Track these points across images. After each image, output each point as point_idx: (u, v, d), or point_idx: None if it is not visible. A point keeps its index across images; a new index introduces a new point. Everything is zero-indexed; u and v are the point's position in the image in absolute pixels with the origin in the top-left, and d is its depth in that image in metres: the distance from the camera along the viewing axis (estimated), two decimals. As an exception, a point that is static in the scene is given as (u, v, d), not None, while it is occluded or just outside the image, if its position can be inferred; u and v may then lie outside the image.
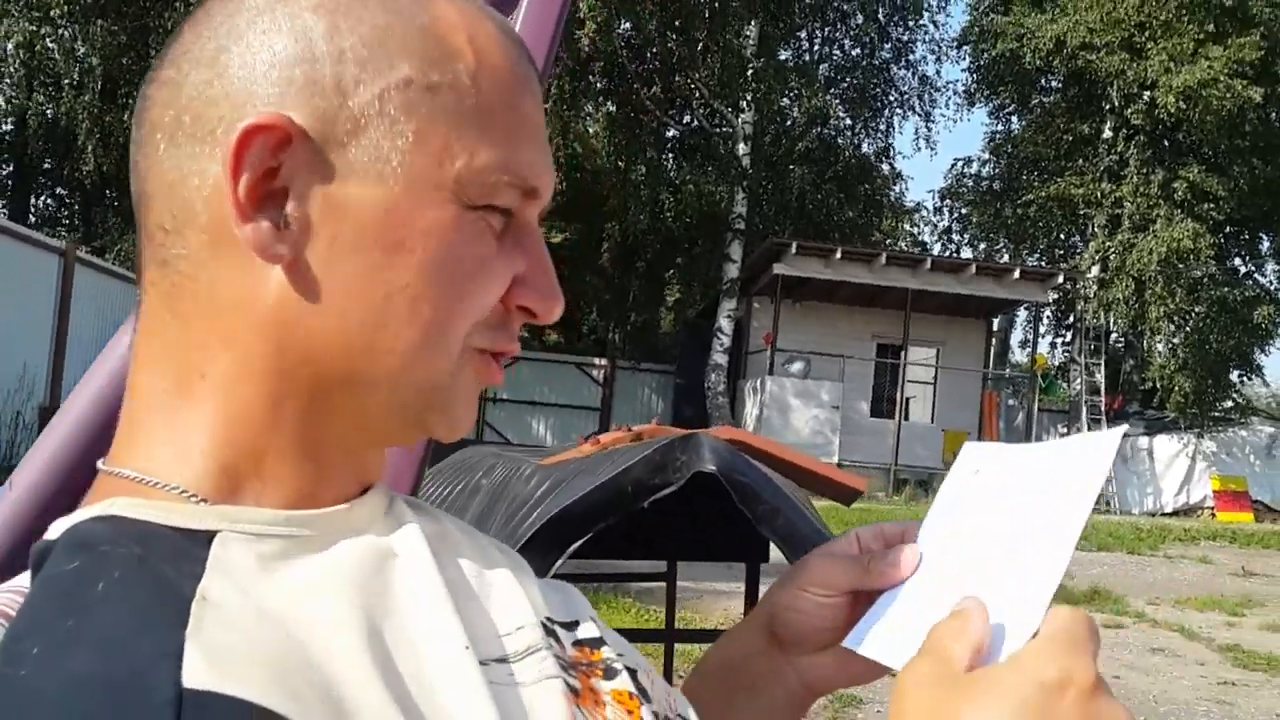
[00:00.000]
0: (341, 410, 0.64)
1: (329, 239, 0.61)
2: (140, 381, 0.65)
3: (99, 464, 0.65)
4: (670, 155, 24.29)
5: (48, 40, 16.20)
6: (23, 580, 0.67)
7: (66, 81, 16.50)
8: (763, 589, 3.37)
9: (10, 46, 16.24)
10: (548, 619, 0.72)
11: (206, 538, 0.58)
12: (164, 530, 0.58)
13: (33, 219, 24.59)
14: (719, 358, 21.18)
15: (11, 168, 25.47)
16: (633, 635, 3.26)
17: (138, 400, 0.65)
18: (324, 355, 0.62)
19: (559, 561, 2.41)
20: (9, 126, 23.99)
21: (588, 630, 0.76)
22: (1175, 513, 20.89)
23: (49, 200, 27.31)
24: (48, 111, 18.51)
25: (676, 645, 3.54)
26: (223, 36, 0.62)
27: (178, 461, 0.62)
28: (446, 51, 0.64)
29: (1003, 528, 0.73)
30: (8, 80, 16.78)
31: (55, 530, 0.61)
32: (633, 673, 0.74)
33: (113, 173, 18.29)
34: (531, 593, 0.73)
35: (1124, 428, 0.78)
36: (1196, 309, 21.44)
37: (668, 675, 3.26)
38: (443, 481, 3.22)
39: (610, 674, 0.73)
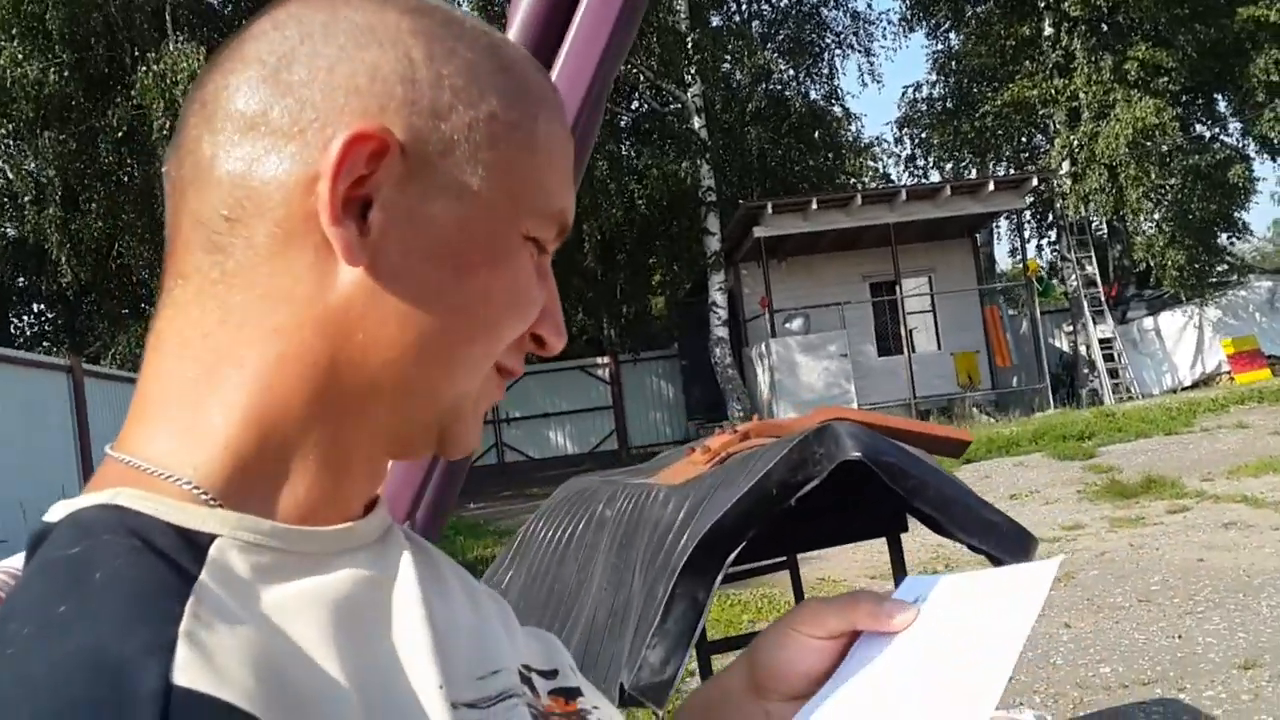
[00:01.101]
0: (377, 416, 0.65)
1: (404, 250, 0.63)
2: (164, 368, 0.65)
3: (107, 449, 0.65)
4: (628, 142, 24.27)
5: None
6: (14, 562, 0.68)
7: (27, 199, 16.40)
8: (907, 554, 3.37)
9: (-40, 174, 16.13)
10: (525, 666, 0.74)
11: (206, 540, 0.59)
12: (165, 526, 0.59)
13: (16, 340, 24.49)
14: (719, 331, 21.19)
15: (-14, 294, 25.39)
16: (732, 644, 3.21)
17: (157, 387, 0.65)
18: (377, 360, 0.64)
19: (719, 577, 2.44)
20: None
21: (565, 679, 0.78)
22: (1195, 385, 20.99)
23: (27, 318, 27.21)
24: (10, 231, 18.41)
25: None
26: (317, 42, 0.64)
27: (192, 453, 0.62)
28: (524, 93, 0.68)
29: (941, 655, 0.73)
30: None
31: (56, 513, 0.61)
32: None
33: (90, 280, 18.21)
34: (513, 638, 0.74)
35: (1060, 558, 0.79)
36: (1172, 181, 21.46)
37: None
38: (559, 521, 3.23)
39: None
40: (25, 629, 0.53)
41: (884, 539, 2.97)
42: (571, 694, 0.77)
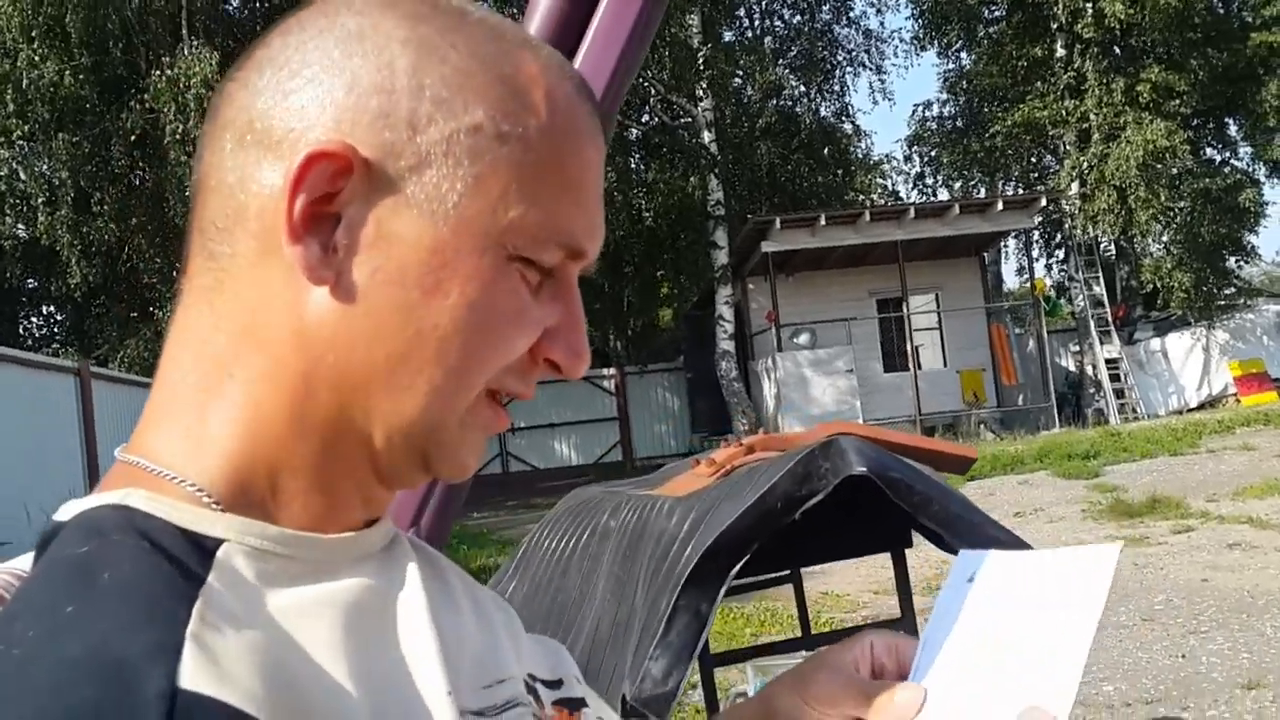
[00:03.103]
0: (354, 441, 0.64)
1: (371, 270, 0.62)
2: (170, 374, 0.65)
3: (117, 452, 0.65)
4: (637, 156, 24.31)
5: (12, 162, 16.17)
6: (19, 563, 0.67)
7: (40, 200, 16.45)
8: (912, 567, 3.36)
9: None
10: (531, 675, 0.73)
11: (214, 544, 0.59)
12: (173, 529, 0.59)
13: (25, 342, 24.55)
14: (725, 345, 21.19)
15: (-6, 295, 25.49)
16: (772, 648, 3.24)
17: (165, 392, 0.65)
18: (349, 380, 0.63)
19: (722, 590, 2.45)
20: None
21: (570, 690, 0.77)
22: (1201, 406, 20.96)
23: (36, 319, 27.29)
24: (21, 233, 18.48)
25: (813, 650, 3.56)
26: (310, 50, 0.63)
27: (196, 458, 0.62)
28: (522, 104, 0.64)
29: (1010, 642, 0.71)
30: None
31: (66, 512, 0.61)
32: None
33: (99, 283, 18.23)
34: (519, 647, 0.74)
35: (1120, 545, 0.75)
36: (1181, 204, 21.50)
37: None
38: (561, 531, 3.23)
39: None
40: (31, 630, 0.52)
41: (888, 554, 2.98)
42: (575, 705, 0.77)
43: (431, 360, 0.63)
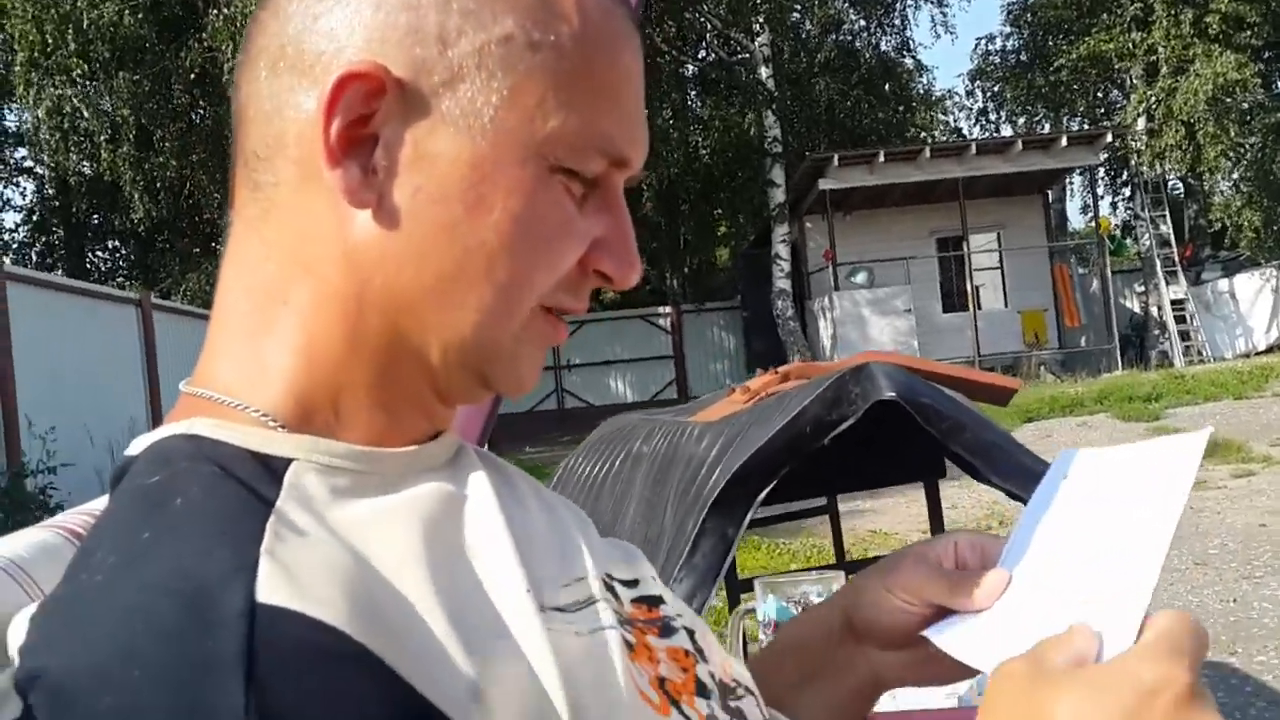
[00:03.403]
0: (411, 360, 0.65)
1: (413, 189, 0.62)
2: (226, 304, 0.66)
3: (181, 385, 0.66)
4: (693, 92, 24.07)
5: (75, 100, 16.37)
6: (94, 505, 0.70)
7: (103, 138, 16.68)
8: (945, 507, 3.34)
9: (41, 113, 16.44)
10: (608, 575, 0.72)
11: (282, 465, 0.60)
12: (242, 453, 0.60)
13: (91, 275, 24.98)
14: (782, 284, 21.04)
15: (61, 231, 25.88)
16: (814, 570, 3.23)
17: (222, 323, 0.66)
18: (399, 302, 0.63)
19: (749, 513, 2.43)
20: (52, 191, 24.36)
21: (647, 588, 0.76)
22: (1269, 350, 20.52)
23: (102, 254, 27.74)
24: (86, 169, 18.75)
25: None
26: None
27: (257, 385, 0.63)
28: (553, 12, 0.63)
29: (1095, 535, 0.72)
30: (45, 146, 17.04)
31: (137, 446, 0.63)
32: (690, 633, 0.74)
33: (162, 217, 18.50)
34: (594, 548, 0.73)
35: (1209, 430, 0.75)
36: (1251, 140, 20.95)
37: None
38: (595, 457, 3.25)
39: (667, 632, 0.73)
40: (111, 557, 0.54)
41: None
42: (654, 602, 0.76)
43: (481, 277, 0.63)
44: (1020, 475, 2.34)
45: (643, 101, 0.69)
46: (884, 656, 0.85)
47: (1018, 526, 0.79)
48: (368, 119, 0.61)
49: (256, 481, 0.58)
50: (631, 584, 0.76)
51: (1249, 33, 20.71)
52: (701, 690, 0.70)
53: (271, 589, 0.51)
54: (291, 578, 0.52)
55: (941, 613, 0.80)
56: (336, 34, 0.61)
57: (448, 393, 0.68)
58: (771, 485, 2.35)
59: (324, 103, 0.60)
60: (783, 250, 21.05)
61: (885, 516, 8.22)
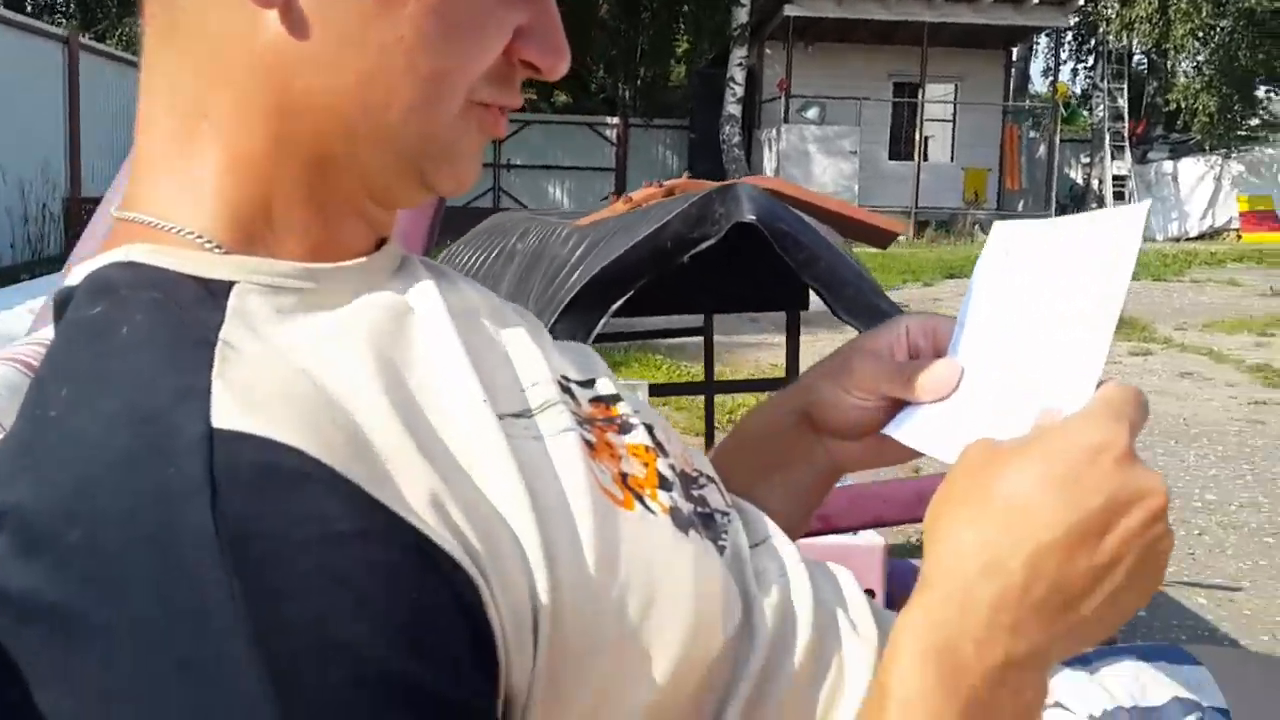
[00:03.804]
0: (343, 163, 0.63)
1: None
2: (148, 123, 0.64)
3: (112, 210, 0.65)
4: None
5: None
6: (44, 334, 0.69)
7: None
8: (803, 340, 3.35)
9: None
10: (564, 377, 0.72)
11: (225, 288, 0.58)
12: (182, 278, 0.59)
13: (29, 8, 23.94)
14: (732, 109, 20.76)
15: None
16: (672, 389, 3.33)
17: (147, 141, 0.64)
18: (320, 107, 0.61)
19: (603, 319, 2.43)
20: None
21: (604, 387, 0.76)
22: (1201, 236, 20.80)
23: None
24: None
25: (715, 397, 3.61)
26: None
27: (192, 206, 0.61)
28: None
29: (1042, 310, 0.72)
30: None
31: (75, 276, 0.62)
32: (649, 428, 0.74)
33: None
34: (548, 352, 0.73)
35: (1147, 203, 0.77)
36: (1222, 24, 20.74)
37: (708, 427, 3.33)
38: (476, 248, 3.23)
39: (626, 429, 0.73)
40: (63, 390, 0.53)
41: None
42: (611, 400, 0.76)
43: (402, 74, 0.61)
44: (867, 314, 2.36)
45: None
46: (843, 446, 0.88)
47: (965, 304, 0.79)
48: None
49: (200, 306, 0.57)
50: (587, 384, 0.75)
51: (1240, -89, 20.34)
52: (663, 483, 0.70)
53: (226, 413, 0.50)
54: (246, 400, 0.51)
55: (899, 403, 0.81)
56: None
57: (385, 195, 0.67)
58: (627, 296, 2.34)
59: None
60: (738, 74, 20.70)
61: (780, 350, 8.32)
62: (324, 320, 0.60)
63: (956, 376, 0.76)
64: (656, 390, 3.57)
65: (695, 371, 7.59)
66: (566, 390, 0.71)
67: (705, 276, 2.55)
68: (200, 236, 0.61)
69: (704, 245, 2.33)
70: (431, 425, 0.58)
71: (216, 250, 0.60)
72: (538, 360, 0.70)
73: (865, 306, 2.39)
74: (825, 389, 0.85)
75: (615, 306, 2.37)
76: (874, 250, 3.44)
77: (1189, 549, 4.85)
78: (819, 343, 3.90)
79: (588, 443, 0.67)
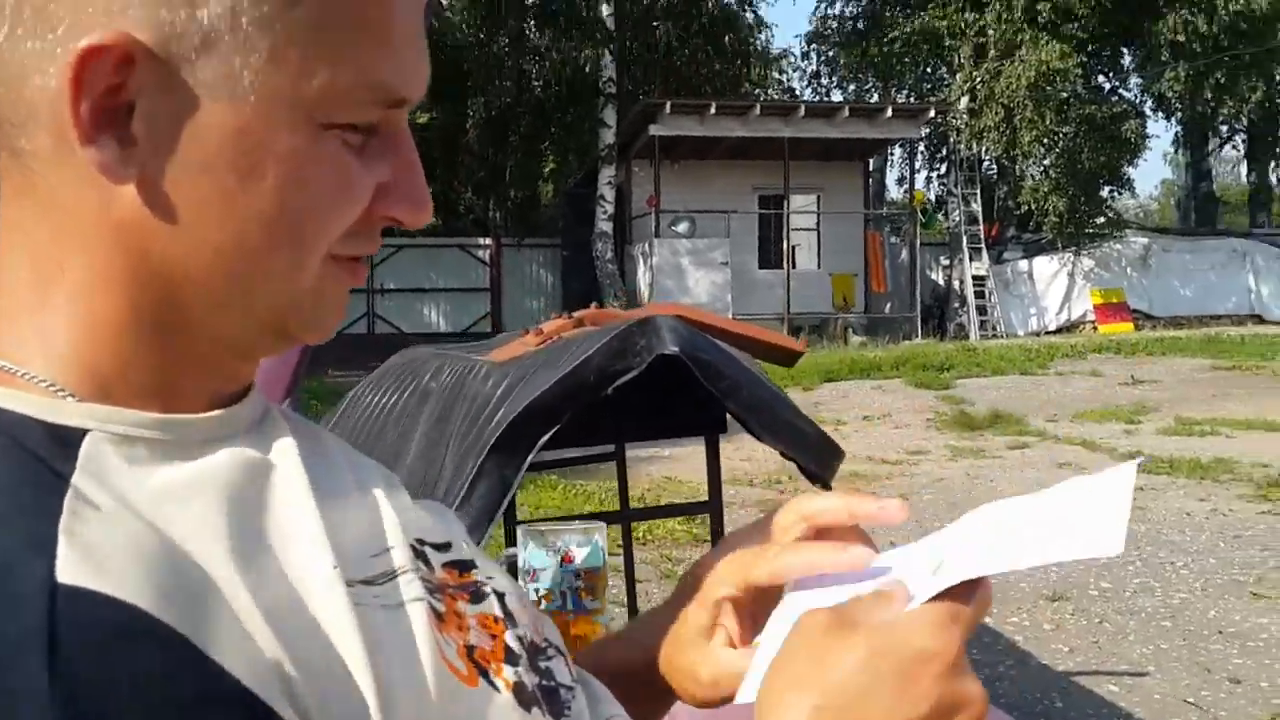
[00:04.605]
0: (202, 325, 0.62)
1: (178, 160, 0.58)
2: (7, 264, 0.62)
3: None
4: (531, 23, 23.74)
5: None
6: None
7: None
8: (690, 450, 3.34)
9: None
10: (419, 540, 0.72)
11: (77, 435, 0.57)
12: (32, 422, 0.57)
13: None
14: (604, 226, 21.10)
15: None
16: (590, 518, 3.26)
17: (5, 281, 0.62)
18: (179, 273, 0.60)
19: (529, 456, 2.43)
20: None
21: (459, 552, 0.76)
22: (1059, 330, 21.64)
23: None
24: None
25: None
26: None
27: (45, 354, 0.60)
28: None
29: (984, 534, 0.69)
30: None
31: None
32: (501, 596, 0.74)
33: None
34: (404, 513, 0.72)
35: (1140, 459, 0.72)
36: (1065, 129, 21.85)
37: (626, 553, 3.31)
38: (385, 388, 3.19)
39: (477, 597, 0.73)
40: None
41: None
42: (466, 566, 0.75)
43: (262, 245, 0.60)
44: (789, 434, 2.41)
45: (421, 33, 0.64)
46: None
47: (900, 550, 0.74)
48: (119, 87, 0.56)
49: (50, 453, 0.55)
50: (443, 548, 0.75)
51: (1076, 24, 21.57)
52: (510, 657, 0.69)
53: (71, 568, 0.49)
54: (91, 556, 0.50)
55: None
56: None
57: (247, 351, 0.65)
58: (553, 431, 2.35)
59: (68, 78, 0.55)
60: (608, 192, 21.08)
61: (682, 464, 8.37)
62: (177, 474, 0.59)
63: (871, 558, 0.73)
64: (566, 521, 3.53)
65: (591, 490, 7.59)
66: (420, 554, 0.71)
67: (619, 406, 2.57)
68: (53, 385, 0.59)
69: (626, 377, 2.36)
70: (279, 591, 0.58)
71: (70, 398, 0.59)
72: (393, 523, 0.70)
73: (788, 429, 2.44)
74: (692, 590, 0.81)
75: (542, 442, 2.37)
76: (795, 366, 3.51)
77: (1093, 638, 4.97)
78: (730, 451, 3.93)
79: (436, 613, 0.66)
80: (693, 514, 3.74)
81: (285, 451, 0.66)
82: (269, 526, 0.61)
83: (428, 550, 0.72)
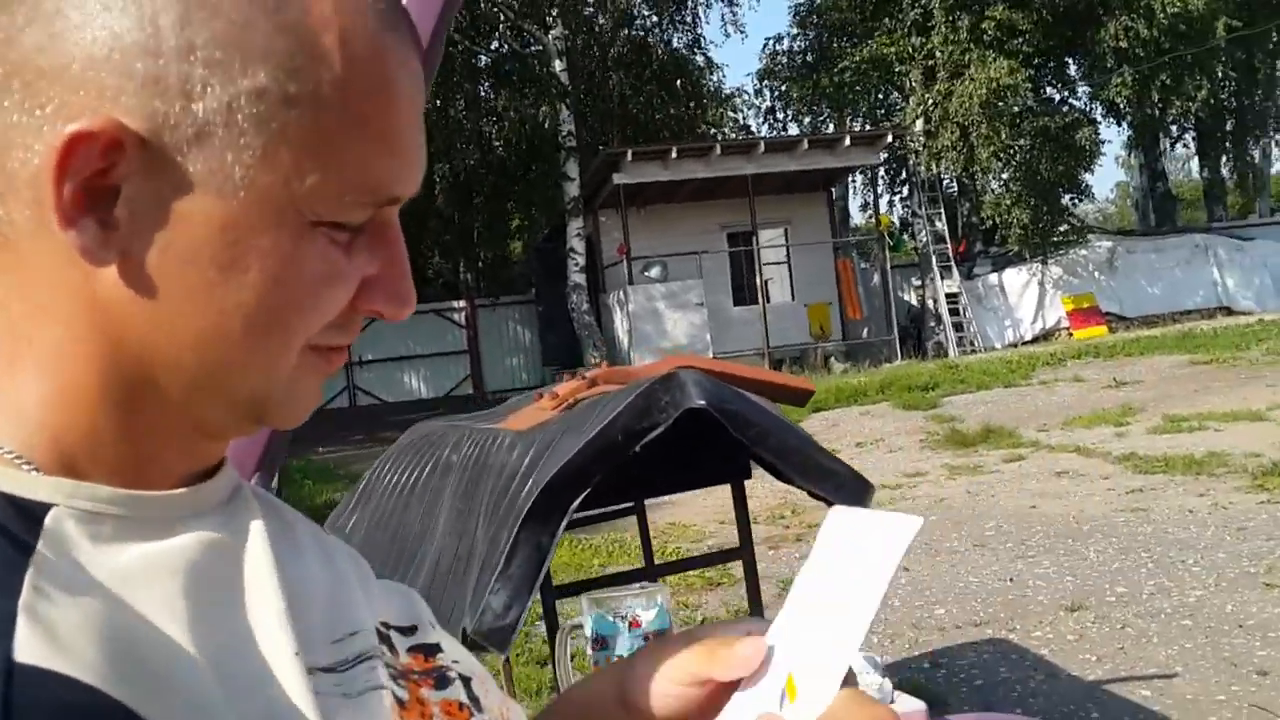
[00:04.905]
0: (174, 408, 0.61)
1: (161, 248, 0.56)
2: None
3: None
4: (487, 84, 23.93)
5: None
6: None
7: None
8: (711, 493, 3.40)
9: None
10: (384, 624, 0.72)
11: (41, 510, 0.55)
12: None
13: None
14: (577, 278, 21.16)
15: None
16: (616, 579, 3.29)
17: None
18: (156, 358, 0.59)
19: (563, 522, 2.45)
20: None
21: (425, 635, 0.76)
22: (1035, 340, 21.77)
23: None
24: None
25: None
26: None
27: (10, 424, 0.58)
28: (312, 56, 0.57)
29: (828, 590, 0.71)
30: None
31: None
32: (466, 681, 0.74)
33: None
34: (370, 597, 0.72)
35: (921, 521, 0.73)
36: (1021, 142, 22.07)
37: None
38: (406, 465, 3.20)
39: (442, 683, 0.72)
40: None
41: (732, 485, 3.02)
42: (431, 650, 0.75)
43: (241, 335, 0.59)
44: (820, 476, 2.44)
45: (419, 127, 0.63)
46: None
47: (794, 585, 0.76)
48: (105, 171, 0.55)
49: (13, 527, 0.54)
50: (409, 631, 0.75)
51: (1021, 40, 21.88)
52: None
53: (29, 647, 0.48)
54: (50, 635, 0.49)
55: (722, 691, 0.75)
56: (66, 77, 0.54)
57: (219, 433, 0.64)
58: (584, 494, 2.37)
59: (53, 161, 0.54)
60: (577, 244, 21.15)
61: (682, 509, 8.37)
62: (141, 553, 0.57)
63: (759, 657, 0.70)
64: (576, 589, 3.54)
65: (597, 544, 7.58)
66: (386, 639, 0.71)
67: (642, 461, 2.59)
68: (19, 457, 0.57)
69: (654, 434, 2.39)
70: (239, 673, 0.57)
71: (35, 471, 0.57)
72: (360, 607, 0.70)
73: (818, 469, 2.46)
74: (642, 670, 0.77)
75: (574, 506, 2.39)
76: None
77: (1117, 644, 4.98)
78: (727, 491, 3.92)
79: (399, 700, 0.66)
80: (723, 562, 3.75)
81: (253, 532, 0.64)
82: (233, 609, 0.60)
83: (393, 635, 0.72)
